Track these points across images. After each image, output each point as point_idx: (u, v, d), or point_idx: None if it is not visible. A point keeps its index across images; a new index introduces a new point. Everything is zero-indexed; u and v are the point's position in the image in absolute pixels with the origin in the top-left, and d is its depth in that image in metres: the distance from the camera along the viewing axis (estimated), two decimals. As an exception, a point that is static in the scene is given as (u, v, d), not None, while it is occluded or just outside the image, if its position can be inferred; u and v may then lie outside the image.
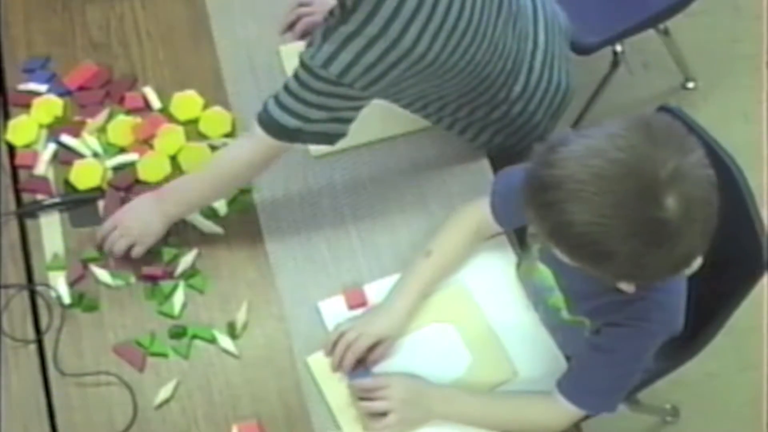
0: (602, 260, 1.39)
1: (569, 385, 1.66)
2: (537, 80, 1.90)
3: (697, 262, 1.46)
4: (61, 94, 2.00)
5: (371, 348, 1.74)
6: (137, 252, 1.82)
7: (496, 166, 1.95)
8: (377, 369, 1.76)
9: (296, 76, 1.67)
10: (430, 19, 1.61)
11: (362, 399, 1.71)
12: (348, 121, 1.72)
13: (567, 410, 1.66)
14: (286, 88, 1.69)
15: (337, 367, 1.75)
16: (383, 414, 1.69)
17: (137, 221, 1.82)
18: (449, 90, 1.78)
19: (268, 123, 1.71)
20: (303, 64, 1.66)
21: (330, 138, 1.73)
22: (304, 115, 1.68)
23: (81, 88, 2.01)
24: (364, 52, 1.61)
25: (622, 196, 1.34)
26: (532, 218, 1.43)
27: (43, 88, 2.01)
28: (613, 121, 1.41)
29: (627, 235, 1.35)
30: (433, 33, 1.62)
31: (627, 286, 1.49)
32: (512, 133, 1.93)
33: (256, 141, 1.74)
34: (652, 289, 1.53)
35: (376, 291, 1.82)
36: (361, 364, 1.75)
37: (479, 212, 1.78)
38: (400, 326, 1.76)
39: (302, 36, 2.07)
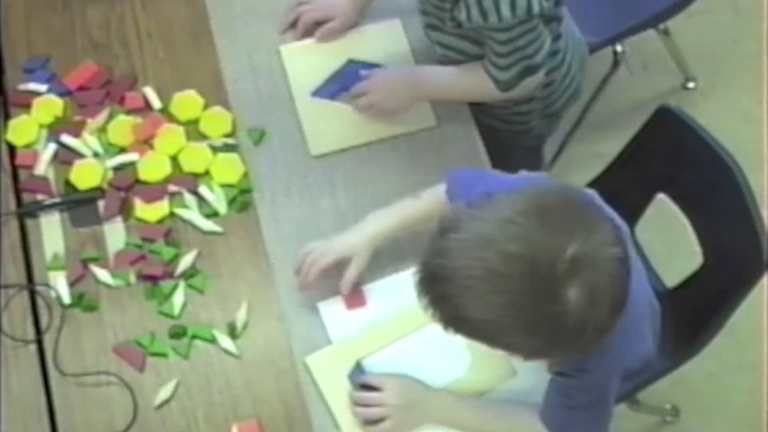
0: (506, 349, 1.34)
1: (549, 418, 1.64)
2: (566, 28, 1.96)
3: None
4: (61, 94, 2.00)
5: (358, 292, 1.78)
6: (371, 112, 1.95)
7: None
8: (376, 369, 1.76)
9: (496, 40, 1.81)
10: None
11: (359, 405, 1.72)
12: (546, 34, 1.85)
13: None
14: (495, 53, 1.83)
15: (303, 284, 1.77)
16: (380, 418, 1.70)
17: (390, 93, 1.95)
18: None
19: (506, 87, 1.87)
20: (493, 29, 1.78)
21: (548, 54, 1.86)
22: (521, 58, 1.83)
23: (81, 88, 2.01)
24: None
25: (518, 295, 1.26)
26: (427, 307, 1.35)
27: (43, 88, 2.01)
28: (508, 198, 1.33)
29: (528, 333, 1.29)
30: None
31: (541, 364, 1.43)
32: (556, 87, 2.01)
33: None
34: None
35: (375, 291, 1.82)
36: (355, 303, 1.79)
37: None
38: (366, 246, 1.76)
39: (303, 35, 2.07)
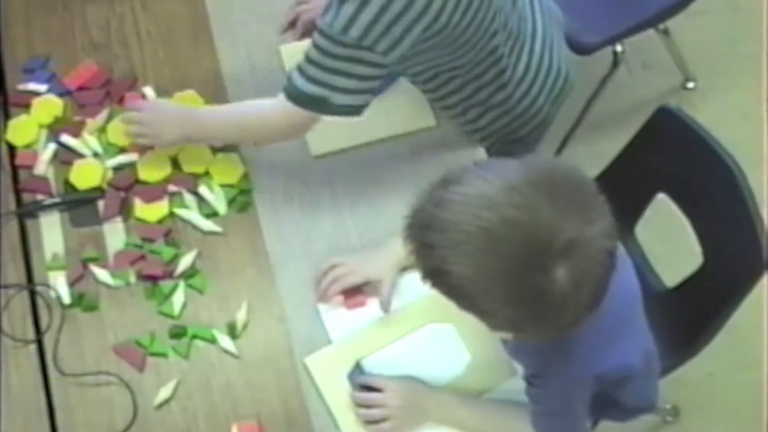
0: (477, 313, 1.33)
1: (533, 423, 1.65)
2: (538, 62, 1.90)
3: None
4: (61, 94, 2.00)
5: (358, 292, 1.80)
6: (140, 142, 1.89)
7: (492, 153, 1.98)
8: (375, 368, 1.76)
9: (316, 44, 1.68)
10: None
11: (359, 406, 1.72)
12: (371, 91, 1.71)
13: None
14: (308, 58, 1.69)
15: (321, 297, 1.78)
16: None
17: (159, 123, 1.87)
18: (460, 61, 1.79)
19: (293, 93, 1.72)
20: (322, 31, 1.66)
21: (355, 110, 1.73)
22: (328, 83, 1.69)
23: (81, 89, 2.01)
24: (383, 12, 1.60)
25: (509, 261, 1.25)
26: (412, 254, 1.34)
27: (43, 88, 2.01)
28: (516, 165, 1.31)
29: (507, 301, 1.27)
30: None
31: (505, 335, 1.40)
32: (515, 117, 1.94)
33: (283, 110, 1.75)
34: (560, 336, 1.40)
35: (375, 291, 1.81)
36: (354, 303, 1.80)
37: None
38: (391, 271, 1.77)
39: (303, 35, 2.07)
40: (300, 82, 1.71)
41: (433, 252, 1.29)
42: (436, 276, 1.32)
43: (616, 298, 1.41)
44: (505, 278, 1.26)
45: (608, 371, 1.52)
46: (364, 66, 1.67)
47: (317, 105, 1.71)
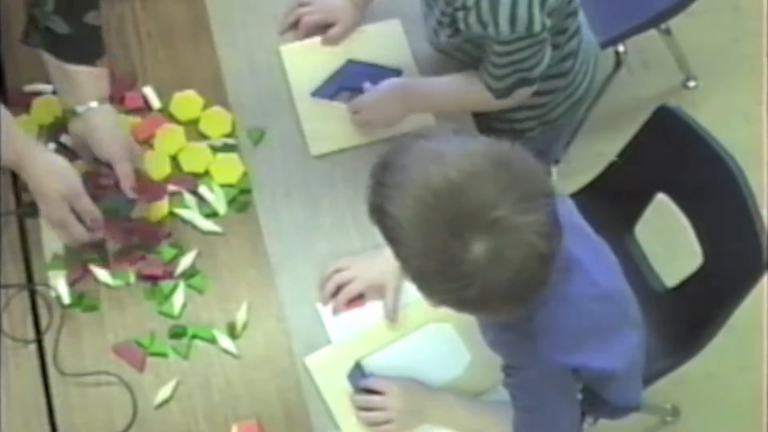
0: (399, 260, 1.37)
1: (514, 422, 1.64)
2: (581, 37, 1.99)
3: None
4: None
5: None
6: (368, 128, 1.96)
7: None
8: (375, 368, 1.76)
9: (494, 52, 1.80)
10: None
11: (362, 409, 1.73)
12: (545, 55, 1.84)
13: None
14: (492, 63, 1.83)
15: (326, 301, 1.80)
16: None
17: (382, 107, 1.95)
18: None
19: (498, 94, 1.87)
20: (491, 39, 1.76)
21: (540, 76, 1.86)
22: (519, 70, 1.82)
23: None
24: None
25: (434, 214, 1.30)
26: (368, 188, 1.42)
27: (48, 88, 2.00)
28: (483, 138, 1.37)
29: (421, 251, 1.32)
30: None
31: (429, 302, 1.42)
32: (557, 95, 2.02)
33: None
34: (523, 321, 1.45)
35: (375, 293, 1.81)
36: (353, 303, 1.80)
37: None
38: (394, 277, 1.78)
39: (305, 36, 2.07)
40: (497, 84, 1.86)
41: (381, 189, 1.37)
42: (378, 213, 1.38)
43: (598, 300, 1.45)
44: (426, 229, 1.30)
45: (584, 368, 1.52)
46: (538, 44, 1.78)
47: (519, 86, 1.86)
